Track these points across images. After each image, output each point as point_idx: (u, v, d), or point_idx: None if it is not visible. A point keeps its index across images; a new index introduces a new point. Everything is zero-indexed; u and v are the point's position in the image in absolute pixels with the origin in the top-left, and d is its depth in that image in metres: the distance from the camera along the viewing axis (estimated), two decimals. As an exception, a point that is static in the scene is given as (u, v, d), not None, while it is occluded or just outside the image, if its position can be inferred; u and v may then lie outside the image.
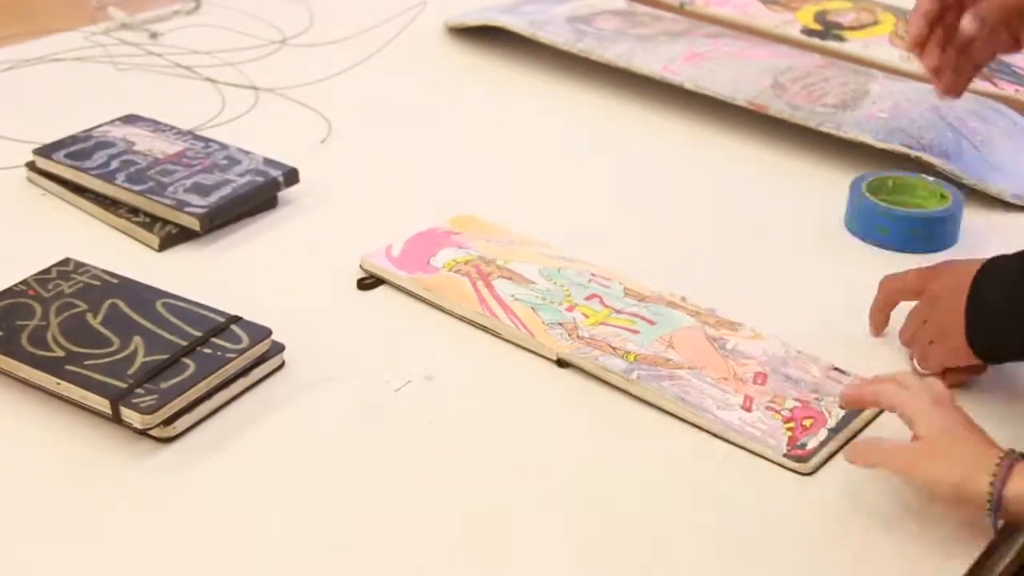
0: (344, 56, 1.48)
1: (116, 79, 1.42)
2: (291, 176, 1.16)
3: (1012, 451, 0.78)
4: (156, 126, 1.24)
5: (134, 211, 1.11)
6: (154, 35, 1.53)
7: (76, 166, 1.14)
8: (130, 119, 1.25)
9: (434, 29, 1.59)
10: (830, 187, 1.22)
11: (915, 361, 0.96)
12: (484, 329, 0.99)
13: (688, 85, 1.38)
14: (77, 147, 1.17)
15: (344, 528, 0.80)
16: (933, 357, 0.94)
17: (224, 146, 1.20)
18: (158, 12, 1.59)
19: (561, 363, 0.96)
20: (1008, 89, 1.40)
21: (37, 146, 1.19)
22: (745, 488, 0.85)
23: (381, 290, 1.05)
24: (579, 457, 0.88)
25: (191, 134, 1.23)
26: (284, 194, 1.17)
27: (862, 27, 1.57)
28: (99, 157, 1.16)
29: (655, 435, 0.90)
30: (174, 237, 1.09)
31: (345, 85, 1.43)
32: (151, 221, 1.10)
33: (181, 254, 1.08)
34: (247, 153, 1.19)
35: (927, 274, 0.97)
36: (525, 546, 0.80)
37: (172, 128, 1.23)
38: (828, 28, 1.57)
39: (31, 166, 1.18)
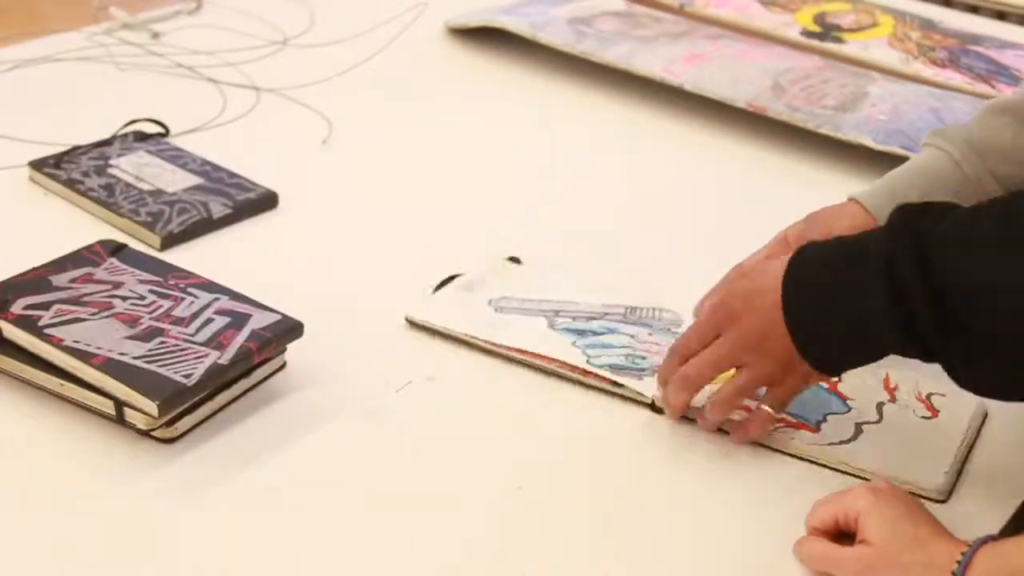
0: (345, 56, 1.48)
1: (118, 79, 1.42)
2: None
3: (968, 547, 0.73)
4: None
5: (135, 210, 1.12)
6: (156, 35, 1.54)
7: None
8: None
9: (435, 30, 1.60)
10: (829, 189, 1.22)
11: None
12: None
13: (688, 86, 1.38)
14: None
15: (345, 529, 0.81)
16: (777, 398, 0.88)
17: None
18: (160, 12, 1.59)
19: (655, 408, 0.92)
20: (1007, 92, 1.40)
21: (37, 145, 1.19)
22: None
23: (381, 291, 1.05)
24: (581, 459, 0.88)
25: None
26: (284, 194, 1.18)
27: (861, 29, 1.57)
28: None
29: (666, 436, 0.91)
30: (175, 236, 1.10)
31: (346, 85, 1.43)
32: (152, 220, 1.10)
33: (182, 253, 1.08)
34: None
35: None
36: (526, 548, 0.80)
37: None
38: (827, 30, 1.57)
39: (33, 166, 1.18)
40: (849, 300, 0.81)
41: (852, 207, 0.99)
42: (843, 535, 0.78)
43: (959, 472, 0.88)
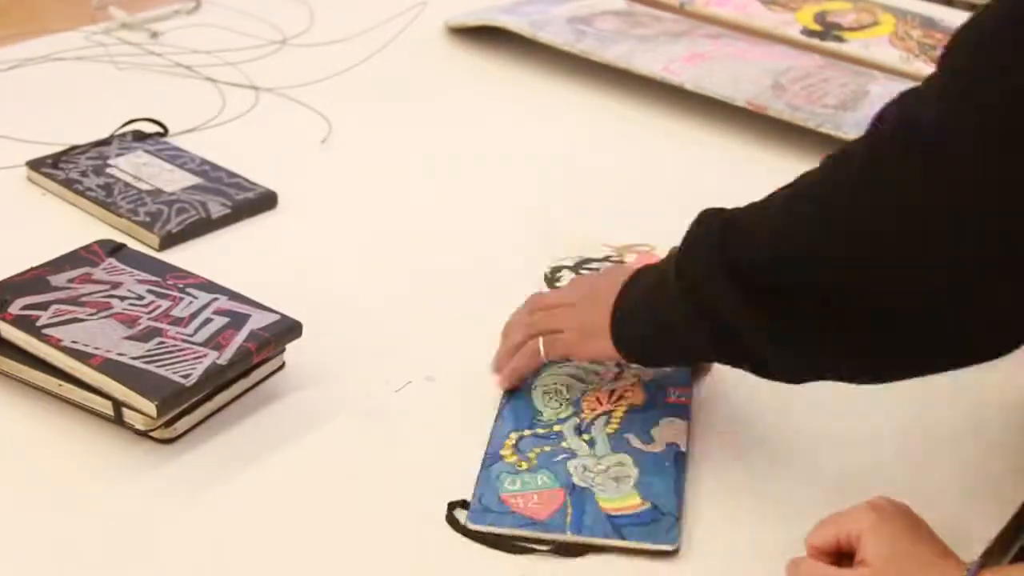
0: (345, 56, 1.48)
1: (116, 78, 1.42)
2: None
3: (967, 569, 0.71)
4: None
5: (134, 210, 1.11)
6: (154, 35, 1.53)
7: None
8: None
9: (435, 29, 1.59)
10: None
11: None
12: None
13: (688, 86, 1.38)
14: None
15: (345, 529, 0.80)
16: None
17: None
18: (158, 12, 1.59)
19: None
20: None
21: (36, 144, 1.19)
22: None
23: (380, 291, 1.05)
24: (579, 458, 0.88)
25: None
26: (284, 194, 1.18)
27: (862, 28, 1.57)
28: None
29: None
30: (174, 236, 1.09)
31: (346, 85, 1.43)
32: (151, 220, 1.10)
33: (180, 253, 1.08)
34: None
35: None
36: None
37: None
38: (828, 29, 1.57)
39: (31, 165, 1.18)
40: (656, 306, 0.84)
41: None
42: (845, 556, 0.76)
43: None
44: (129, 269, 0.95)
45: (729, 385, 0.95)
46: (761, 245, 0.78)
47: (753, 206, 0.82)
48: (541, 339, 0.92)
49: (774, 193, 0.82)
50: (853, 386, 0.80)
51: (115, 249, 0.98)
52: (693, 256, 0.81)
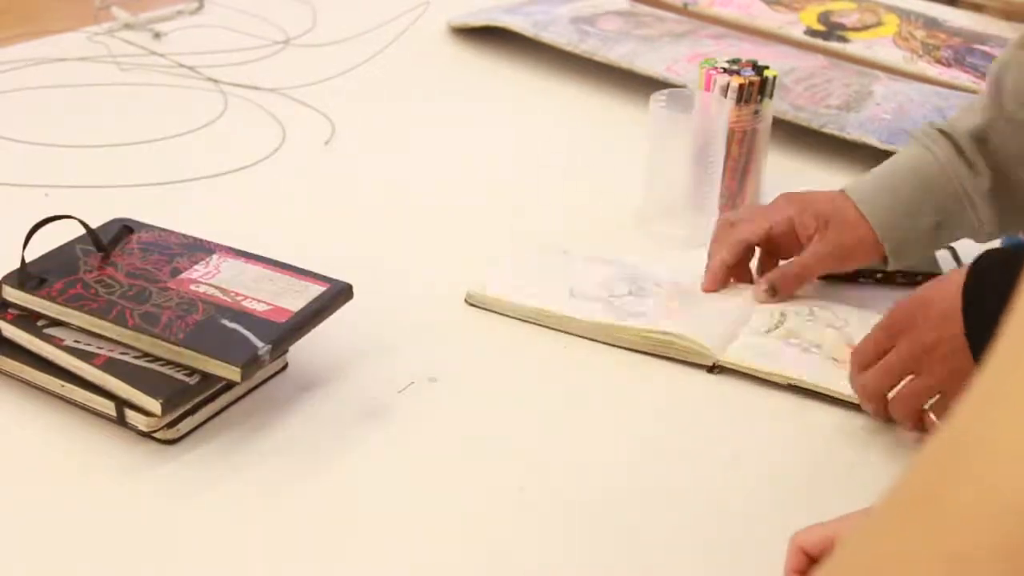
0: (348, 56, 1.48)
1: (119, 79, 1.42)
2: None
3: None
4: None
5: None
6: (157, 35, 1.53)
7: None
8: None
9: (437, 29, 1.59)
10: (833, 188, 1.21)
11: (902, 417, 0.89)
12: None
13: (691, 86, 1.38)
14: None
15: (346, 529, 0.80)
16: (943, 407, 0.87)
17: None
18: (161, 12, 1.59)
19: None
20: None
21: (36, 145, 1.18)
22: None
23: (381, 292, 1.05)
24: (582, 460, 0.88)
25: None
26: (286, 194, 1.17)
27: (866, 28, 1.57)
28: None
29: (666, 438, 0.90)
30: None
31: (349, 85, 1.43)
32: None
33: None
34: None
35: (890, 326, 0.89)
36: (527, 548, 0.80)
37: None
38: (832, 29, 1.56)
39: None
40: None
41: (842, 200, 1.03)
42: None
43: None
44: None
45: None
46: None
47: None
48: (932, 415, 0.87)
49: None
50: None
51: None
52: None
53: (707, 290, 1.04)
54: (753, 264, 1.07)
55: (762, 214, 1.05)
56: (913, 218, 1.00)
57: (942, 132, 1.01)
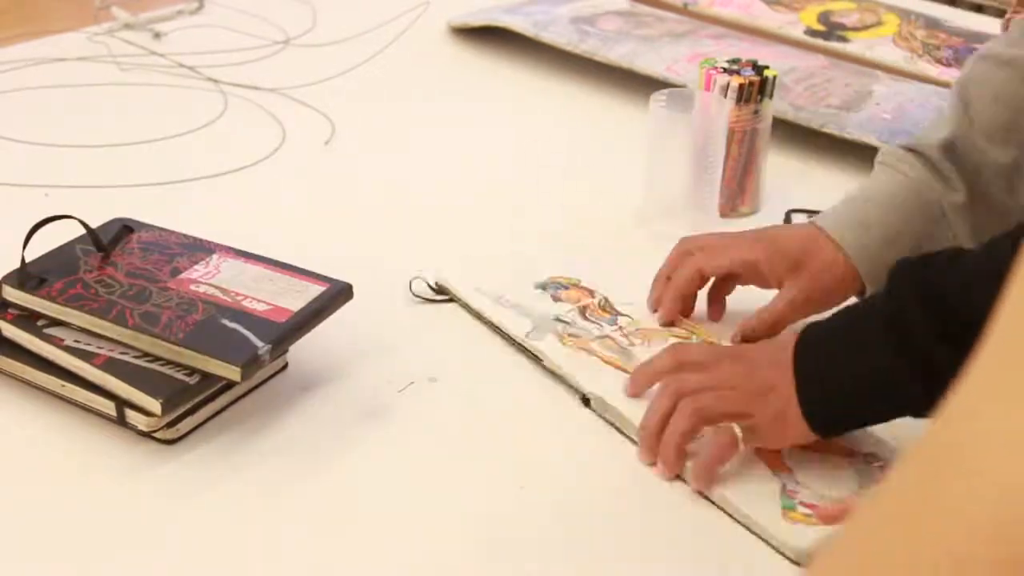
0: (348, 56, 1.48)
1: (119, 79, 1.42)
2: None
3: None
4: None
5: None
6: (157, 35, 1.53)
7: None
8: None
9: (437, 29, 1.59)
10: (833, 189, 1.21)
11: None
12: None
13: (691, 86, 1.38)
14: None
15: (346, 529, 0.80)
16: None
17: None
18: (161, 12, 1.59)
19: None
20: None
21: (36, 146, 1.18)
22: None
23: (382, 292, 1.05)
24: (583, 459, 0.88)
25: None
26: (287, 194, 1.17)
27: (866, 28, 1.57)
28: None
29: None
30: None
31: (349, 85, 1.43)
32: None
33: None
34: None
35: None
36: (527, 548, 0.80)
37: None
38: (832, 29, 1.56)
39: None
40: (856, 359, 0.81)
41: (812, 232, 0.99)
42: None
43: None
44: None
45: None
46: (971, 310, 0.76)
47: (951, 269, 0.79)
48: (737, 427, 0.84)
49: (965, 255, 0.81)
50: None
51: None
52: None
53: (664, 325, 1.00)
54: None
55: (723, 250, 0.99)
56: (892, 246, 0.96)
57: (910, 150, 0.99)
